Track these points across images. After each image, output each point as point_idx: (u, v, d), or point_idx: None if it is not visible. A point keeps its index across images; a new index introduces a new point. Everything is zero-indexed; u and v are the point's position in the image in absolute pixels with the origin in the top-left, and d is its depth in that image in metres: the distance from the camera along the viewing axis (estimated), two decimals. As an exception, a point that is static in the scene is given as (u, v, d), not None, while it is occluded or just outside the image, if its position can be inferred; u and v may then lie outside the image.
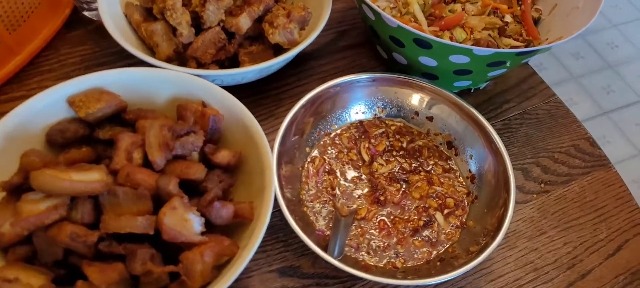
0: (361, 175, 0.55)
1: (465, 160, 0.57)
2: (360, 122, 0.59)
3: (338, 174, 0.55)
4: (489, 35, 0.61)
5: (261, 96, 0.62)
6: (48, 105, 0.47)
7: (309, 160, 0.56)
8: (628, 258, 0.55)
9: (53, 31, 0.62)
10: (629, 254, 0.55)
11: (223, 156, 0.48)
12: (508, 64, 0.55)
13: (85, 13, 0.64)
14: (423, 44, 0.53)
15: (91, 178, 0.41)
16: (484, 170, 0.55)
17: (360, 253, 0.50)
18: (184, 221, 0.41)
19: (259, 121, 0.60)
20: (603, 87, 1.71)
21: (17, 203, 0.40)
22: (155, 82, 0.51)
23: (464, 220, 0.54)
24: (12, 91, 0.58)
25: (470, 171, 0.56)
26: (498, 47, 0.59)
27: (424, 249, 0.51)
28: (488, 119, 0.61)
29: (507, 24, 0.62)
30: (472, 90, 0.65)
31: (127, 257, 0.40)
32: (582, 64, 1.78)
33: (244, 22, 0.56)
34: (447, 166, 0.57)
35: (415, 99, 0.59)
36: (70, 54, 0.62)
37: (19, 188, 0.42)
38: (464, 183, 0.56)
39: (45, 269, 0.40)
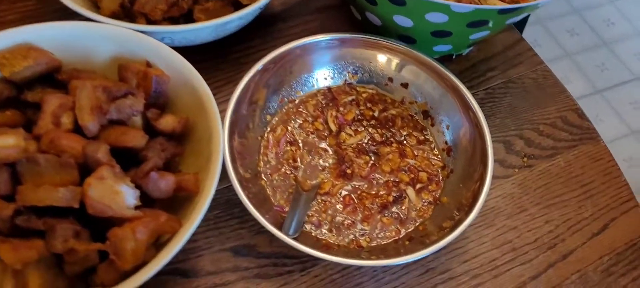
0: (327, 146, 0.51)
1: (442, 130, 0.52)
2: (329, 88, 0.54)
3: (301, 145, 0.50)
4: (471, -5, 0.55)
5: (220, 60, 0.57)
6: (-32, 63, 0.42)
7: (269, 129, 0.51)
8: (613, 237, 0.51)
9: (-9, -15, 0.56)
10: (615, 233, 0.51)
11: (167, 122, 0.43)
12: (491, 25, 0.50)
13: (28, -34, 0.58)
14: (397, 0, 0.48)
15: (5, 143, 0.36)
16: (460, 140, 0.50)
17: (322, 231, 0.46)
18: (114, 193, 0.36)
19: (216, 88, 0.55)
20: (597, 65, 1.67)
21: None
22: (94, 39, 0.45)
23: (437, 195, 0.49)
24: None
25: (446, 143, 0.52)
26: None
27: (392, 227, 0.47)
28: (470, 88, 0.57)
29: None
30: (453, 56, 0.60)
31: (47, 233, 0.35)
32: (577, 41, 1.73)
33: (198, -26, 0.50)
34: (422, 137, 0.52)
35: (389, 63, 0.53)
36: (9, 10, 0.56)
37: None
38: (439, 156, 0.51)
39: (-46, 246, 0.36)
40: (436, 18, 0.49)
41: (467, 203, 0.46)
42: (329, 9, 0.63)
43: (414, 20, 0.50)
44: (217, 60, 0.57)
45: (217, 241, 0.46)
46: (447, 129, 0.52)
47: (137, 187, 0.38)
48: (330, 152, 0.50)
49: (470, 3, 0.52)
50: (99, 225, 0.37)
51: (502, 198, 0.52)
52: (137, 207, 0.37)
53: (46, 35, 0.44)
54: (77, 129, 0.40)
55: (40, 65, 0.43)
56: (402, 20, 0.51)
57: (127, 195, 0.37)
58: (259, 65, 0.48)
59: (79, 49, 0.45)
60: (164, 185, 0.39)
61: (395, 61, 0.53)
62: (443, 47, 0.57)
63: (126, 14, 0.52)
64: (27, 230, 0.36)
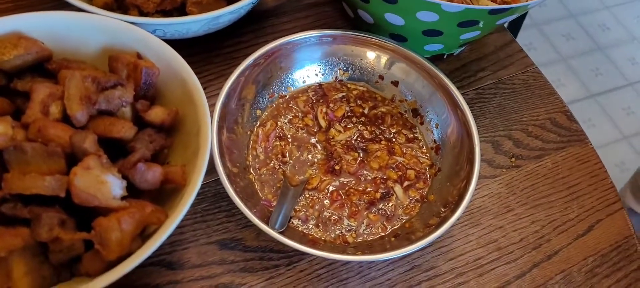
0: (316, 142, 0.51)
1: (431, 129, 0.52)
2: (319, 84, 0.54)
3: (290, 140, 0.51)
4: (464, -4, 0.56)
5: (212, 54, 0.57)
6: (-43, 50, 0.42)
7: (258, 124, 0.51)
8: (598, 239, 0.51)
9: (-17, -27, 0.56)
10: (600, 235, 0.51)
11: (156, 114, 0.43)
12: (481, 25, 0.50)
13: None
14: (387, -2, 0.48)
15: (-8, 130, 0.35)
16: (448, 138, 0.51)
17: (308, 226, 0.46)
18: (100, 183, 0.36)
19: (207, 82, 0.55)
20: (592, 70, 1.68)
21: None
22: (84, 29, 0.45)
23: (424, 193, 0.49)
24: None
25: (435, 141, 0.52)
26: (471, 7, 0.54)
27: (379, 223, 0.47)
28: (460, 88, 0.57)
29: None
30: (445, 56, 0.61)
31: (32, 222, 0.35)
32: (572, 45, 1.74)
33: (191, -33, 0.50)
34: (411, 135, 0.53)
35: (379, 61, 0.54)
36: (1, 0, 0.56)
37: None
38: (427, 155, 0.52)
39: (-63, 232, 0.36)
40: (427, 17, 0.49)
41: (453, 201, 0.46)
42: (321, 6, 0.63)
43: (405, 18, 0.50)
44: (208, 54, 0.57)
45: (204, 234, 0.47)
46: (436, 128, 0.52)
47: (124, 178, 0.38)
48: (320, 148, 0.51)
49: (462, 3, 0.52)
50: (84, 215, 0.38)
51: (489, 198, 0.53)
52: (123, 198, 0.37)
53: (37, 25, 0.44)
54: (66, 119, 0.40)
55: (30, 54, 0.43)
56: (394, 19, 0.51)
57: (113, 186, 0.37)
58: (249, 60, 0.49)
59: (69, 39, 0.45)
60: (151, 176, 0.39)
61: (385, 59, 0.54)
62: (434, 47, 0.57)
63: (119, 5, 0.52)
64: (12, 218, 0.36)
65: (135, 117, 0.44)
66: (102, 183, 0.36)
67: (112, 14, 0.46)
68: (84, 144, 0.37)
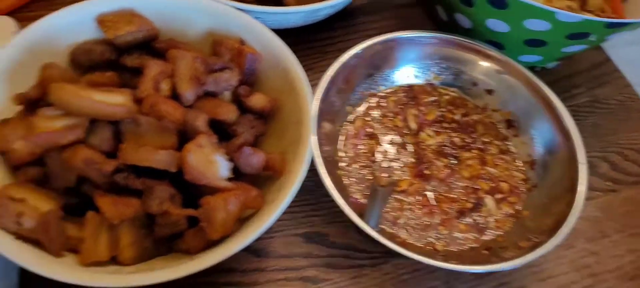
0: (406, 144, 0.50)
1: (526, 142, 0.50)
2: (410, 86, 0.53)
3: (380, 139, 0.50)
4: (569, 7, 0.53)
5: (304, 46, 0.56)
6: (75, 22, 0.43)
7: (349, 120, 0.50)
8: (703, 277, 0.48)
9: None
10: None
11: (258, 100, 0.43)
12: (592, 38, 0.48)
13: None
14: (497, 3, 0.47)
15: (114, 100, 0.36)
16: (549, 157, 0.48)
17: (397, 229, 0.45)
18: (210, 162, 0.37)
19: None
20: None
21: (32, 117, 0.36)
22: (192, 12, 0.46)
23: (518, 208, 0.47)
24: (39, 9, 0.55)
25: (530, 155, 0.50)
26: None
27: (470, 234, 0.46)
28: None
29: (590, -4, 0.55)
30: (537, 69, 0.58)
31: (144, 194, 0.36)
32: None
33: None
34: (504, 147, 0.51)
35: (478, 68, 0.52)
36: (106, -22, 0.58)
37: (37, 103, 0.39)
38: (521, 168, 0.50)
39: (55, 194, 0.37)
40: (536, 25, 0.47)
41: (551, 225, 0.44)
42: (410, 6, 0.62)
43: (511, 25, 0.49)
44: (299, 46, 0.56)
45: (290, 225, 0.46)
46: (533, 141, 0.50)
47: (229, 159, 0.38)
48: (409, 151, 0.49)
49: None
50: (190, 192, 0.38)
51: (584, 221, 0.50)
52: (228, 179, 0.38)
53: (149, 4, 0.45)
54: (174, 97, 0.41)
55: (141, 31, 0.44)
56: (497, 25, 0.50)
57: (221, 166, 0.37)
58: (349, 54, 0.48)
59: (176, 20, 0.46)
60: (256, 160, 0.39)
61: (484, 66, 0.52)
62: (531, 58, 0.55)
63: (219, -9, 0.52)
64: (123, 187, 0.37)
65: (234, 101, 0.44)
66: (212, 163, 0.37)
67: (217, -3, 0.47)
68: (196, 122, 0.37)
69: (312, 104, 0.43)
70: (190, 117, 0.37)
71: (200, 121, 0.37)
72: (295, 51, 0.56)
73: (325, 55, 0.57)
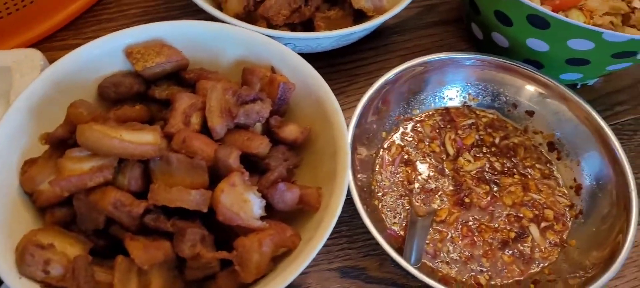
0: (444, 171, 0.47)
1: (570, 166, 0.48)
2: (446, 109, 0.51)
3: (417, 166, 0.47)
4: (611, 22, 0.51)
5: (333, 70, 0.55)
6: (103, 55, 0.42)
7: (384, 146, 0.48)
8: None
9: (116, -21, 0.58)
10: None
11: (290, 131, 0.41)
12: (639, 57, 0.45)
13: (151, -38, 0.59)
14: (538, 23, 0.44)
15: (143, 139, 0.35)
16: (597, 182, 0.45)
17: (437, 262, 0.43)
18: (243, 202, 0.35)
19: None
20: None
21: (59, 159, 0.35)
22: (222, 40, 0.45)
23: (564, 237, 0.45)
24: (67, 38, 0.54)
25: (575, 180, 0.47)
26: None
27: (515, 267, 0.43)
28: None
29: (634, 10, 0.52)
30: (578, 86, 0.55)
31: (175, 236, 0.35)
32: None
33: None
34: (547, 171, 0.48)
35: (518, 89, 0.50)
36: (132, 4, 0.57)
37: (64, 142, 0.38)
38: (566, 194, 0.47)
39: (83, 237, 0.36)
40: (580, 45, 0.44)
41: (603, 256, 0.41)
42: (443, 25, 0.60)
43: (552, 45, 0.46)
44: (329, 69, 0.55)
45: (325, 259, 0.44)
46: (578, 166, 0.47)
47: (262, 196, 0.37)
48: (448, 177, 0.47)
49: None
50: (220, 232, 0.36)
51: (635, 247, 0.47)
52: (261, 218, 0.36)
53: (178, 33, 0.44)
54: (204, 130, 0.39)
55: (170, 62, 0.43)
56: (537, 44, 0.47)
57: (254, 205, 0.35)
58: (384, 78, 0.46)
59: (207, 49, 0.45)
60: (290, 197, 0.37)
61: (524, 87, 0.49)
62: (572, 76, 0.52)
63: (247, 15, 0.51)
64: (154, 229, 0.35)
65: (265, 132, 0.43)
66: (245, 202, 0.35)
67: (249, 25, 0.46)
68: (229, 160, 0.36)
69: (347, 135, 0.41)
70: (222, 154, 0.36)
71: (232, 158, 0.36)
72: (324, 74, 0.55)
73: (356, 77, 0.55)
